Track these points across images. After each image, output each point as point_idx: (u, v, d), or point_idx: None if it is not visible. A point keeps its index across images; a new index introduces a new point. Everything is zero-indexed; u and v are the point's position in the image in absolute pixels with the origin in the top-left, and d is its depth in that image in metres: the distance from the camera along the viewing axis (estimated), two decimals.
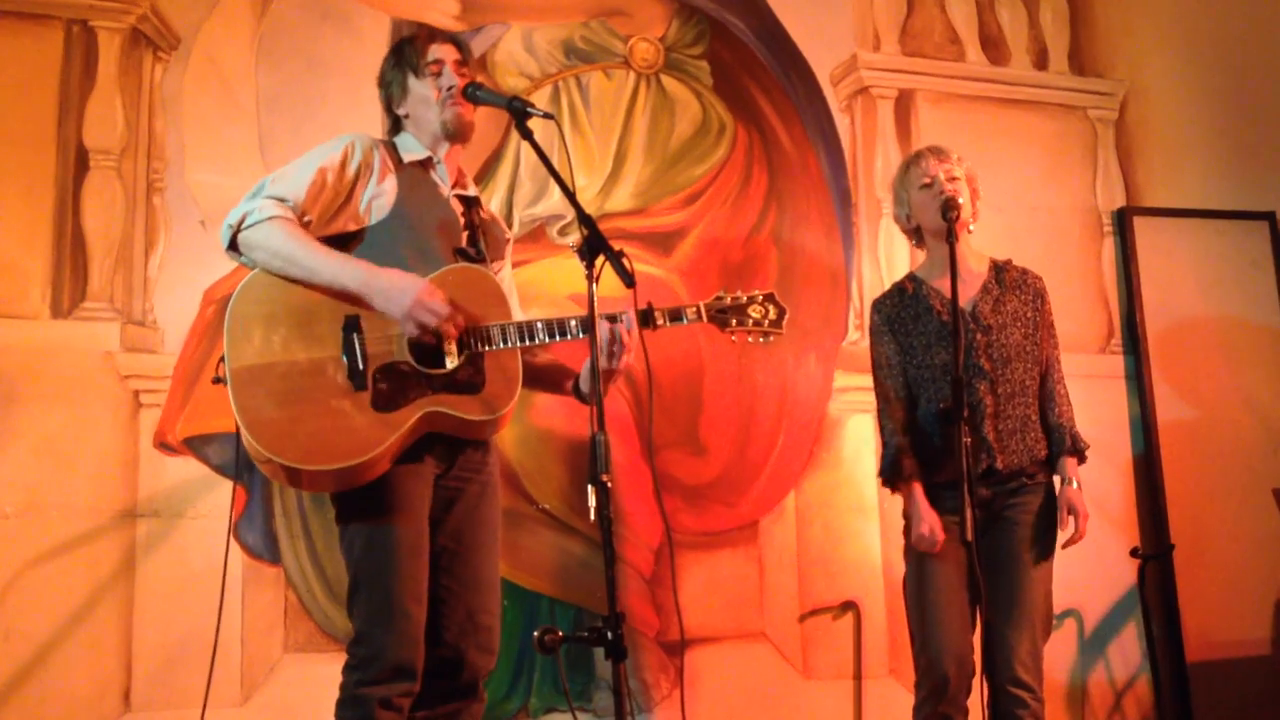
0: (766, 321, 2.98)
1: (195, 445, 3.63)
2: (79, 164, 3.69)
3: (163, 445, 3.62)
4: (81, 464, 3.54)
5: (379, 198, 2.81)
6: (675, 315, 2.92)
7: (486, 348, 2.76)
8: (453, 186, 2.96)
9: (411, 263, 2.76)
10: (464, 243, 2.90)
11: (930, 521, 3.25)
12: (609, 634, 2.36)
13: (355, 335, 2.68)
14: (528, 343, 2.81)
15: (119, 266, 3.68)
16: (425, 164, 2.92)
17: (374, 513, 2.68)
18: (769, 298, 3.00)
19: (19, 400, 3.51)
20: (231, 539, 3.58)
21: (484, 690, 2.88)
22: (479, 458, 2.88)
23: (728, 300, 2.98)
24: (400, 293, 2.66)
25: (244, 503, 3.65)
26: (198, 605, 3.54)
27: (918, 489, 3.32)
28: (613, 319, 2.83)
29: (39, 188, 3.64)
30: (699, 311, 2.95)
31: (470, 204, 2.99)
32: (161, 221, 3.75)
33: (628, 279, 2.52)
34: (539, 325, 2.80)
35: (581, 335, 2.79)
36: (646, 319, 2.87)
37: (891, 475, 3.38)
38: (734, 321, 2.97)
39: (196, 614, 3.53)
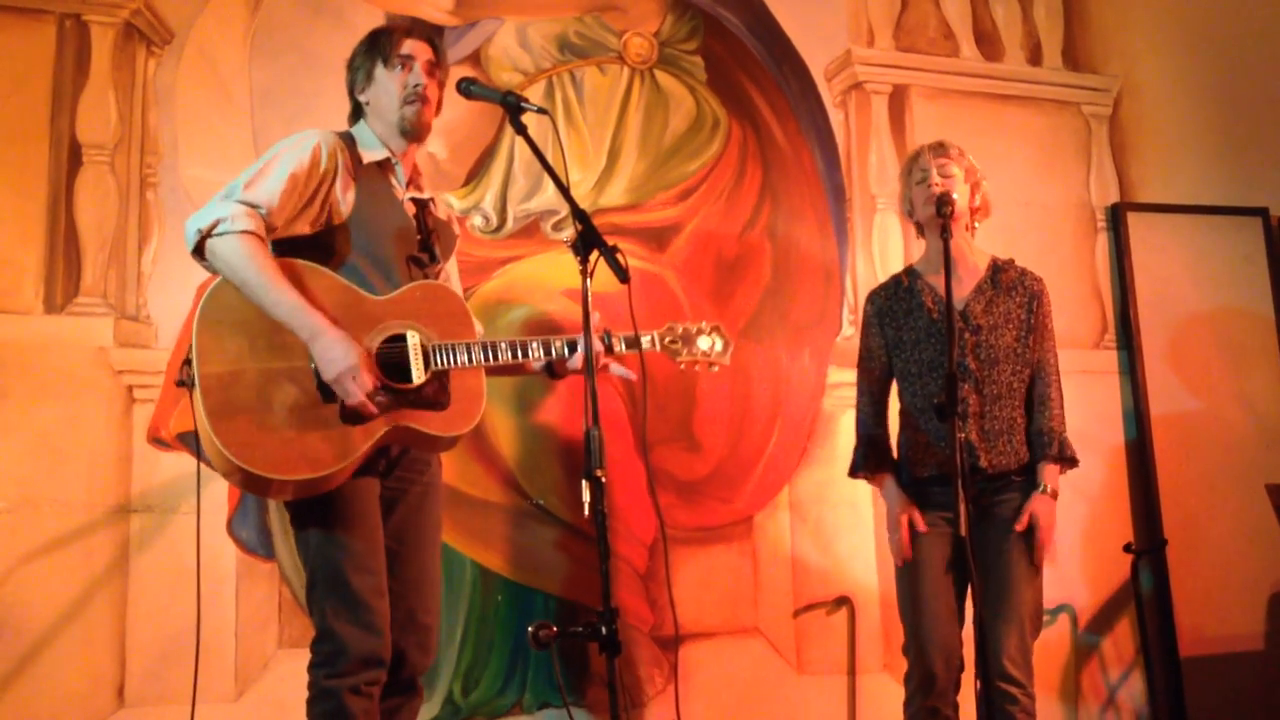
0: (714, 353, 3.16)
1: (189, 440, 3.62)
2: (72, 158, 3.68)
3: (156, 440, 3.61)
4: (75, 459, 3.53)
5: (339, 204, 2.81)
6: (632, 342, 3.03)
7: (452, 365, 2.79)
8: (407, 186, 2.97)
9: (364, 269, 2.78)
10: (417, 249, 2.92)
11: (906, 510, 3.32)
12: (603, 629, 2.37)
13: None
14: (491, 362, 2.85)
15: (112, 261, 3.67)
16: (384, 165, 2.93)
17: (329, 511, 2.70)
18: (715, 329, 3.18)
19: (12, 395, 3.50)
20: (210, 532, 3.58)
21: (422, 686, 2.94)
22: (424, 459, 2.93)
23: (679, 331, 3.13)
24: (330, 363, 2.63)
25: (237, 498, 3.64)
26: (191, 601, 3.53)
27: (889, 480, 3.40)
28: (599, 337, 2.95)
29: (32, 182, 3.63)
30: (654, 341, 3.09)
31: (423, 206, 3.00)
32: (155, 216, 3.74)
33: (621, 274, 2.53)
34: (503, 345, 2.87)
35: (542, 355, 2.92)
36: (605, 344, 2.98)
37: (862, 467, 3.46)
38: (684, 353, 3.13)
39: (190, 609, 3.52)
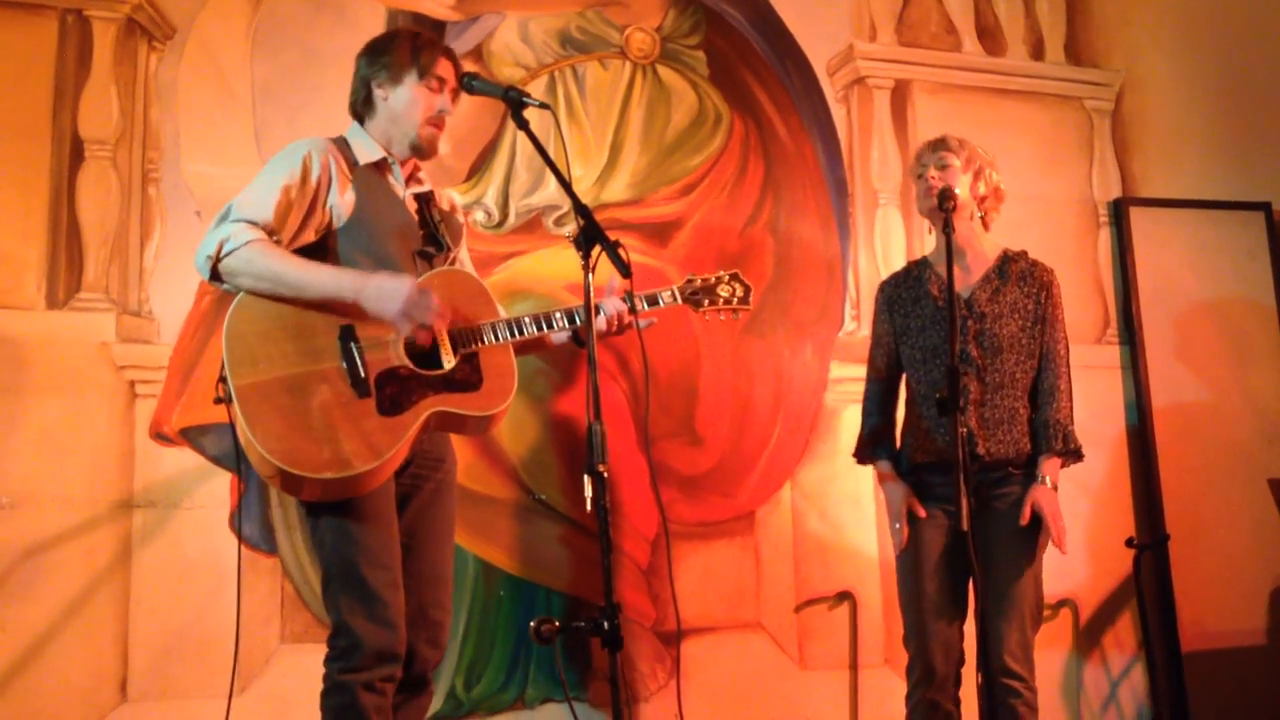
0: (735, 299, 3.23)
1: (191, 436, 3.62)
2: (74, 154, 3.68)
3: (159, 436, 3.61)
4: (77, 455, 3.53)
5: (337, 208, 2.84)
6: (652, 300, 3.12)
7: (480, 345, 2.84)
8: (407, 183, 2.99)
9: (368, 271, 2.78)
10: (421, 243, 2.94)
11: (905, 501, 3.34)
12: (605, 624, 2.36)
13: (353, 344, 2.72)
14: (518, 337, 2.90)
15: (114, 257, 3.67)
16: (380, 165, 2.94)
17: (344, 505, 2.71)
18: (734, 276, 3.25)
19: (15, 391, 3.50)
20: (212, 527, 3.60)
21: (432, 682, 2.95)
22: (436, 455, 2.94)
23: (698, 282, 3.20)
24: (392, 294, 2.70)
25: (240, 493, 3.65)
26: (194, 596, 3.55)
27: (887, 466, 3.44)
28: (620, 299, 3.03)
29: (34, 178, 3.63)
30: (674, 294, 3.15)
31: (425, 200, 3.01)
32: (157, 212, 3.74)
33: (624, 269, 2.54)
34: (527, 320, 2.91)
35: (567, 325, 2.97)
36: (628, 304, 3.03)
37: (862, 452, 3.51)
38: (706, 301, 3.20)
39: (193, 605, 3.55)
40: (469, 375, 2.81)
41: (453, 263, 3.04)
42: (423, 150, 2.95)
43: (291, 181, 2.77)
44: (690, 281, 3.19)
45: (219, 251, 2.67)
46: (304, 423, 2.64)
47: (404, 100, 2.92)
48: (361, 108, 2.99)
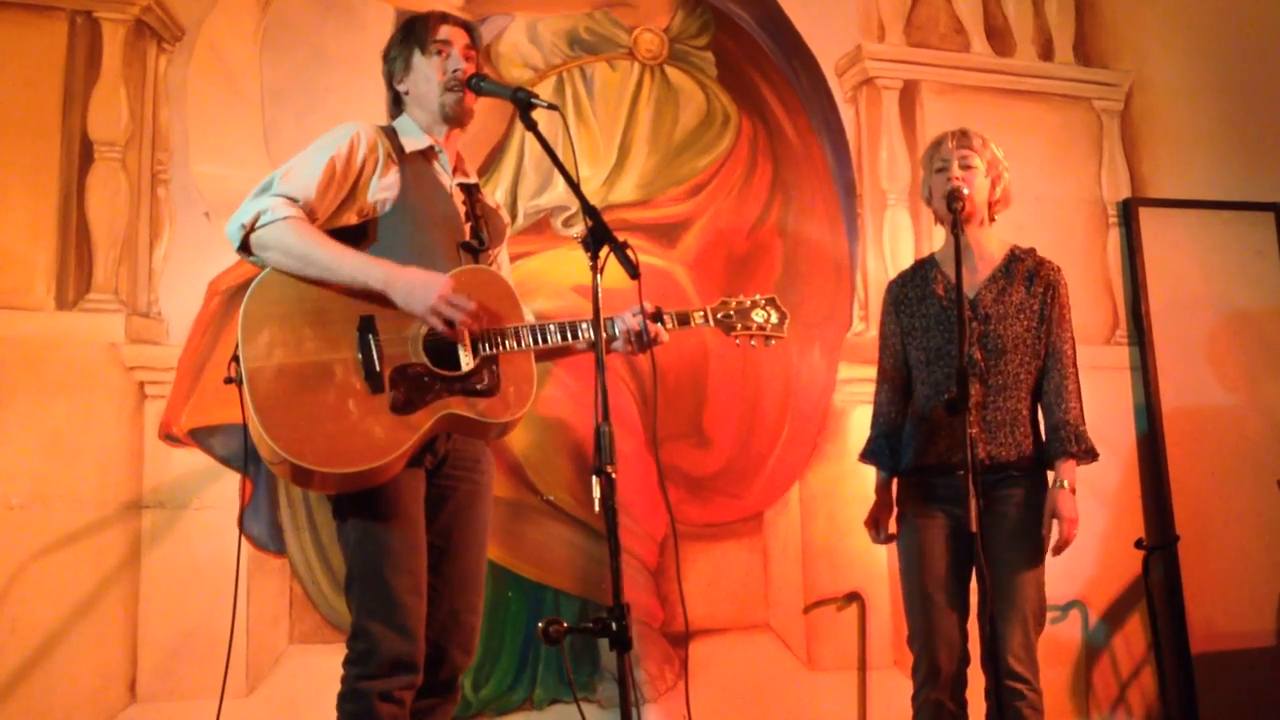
0: (769, 325, 3.08)
1: (200, 437, 3.63)
2: (84, 155, 3.69)
3: (168, 437, 3.62)
4: (87, 455, 3.54)
5: (383, 192, 2.80)
6: (683, 319, 3.01)
7: (501, 350, 2.77)
8: (454, 173, 2.95)
9: (413, 258, 2.74)
10: (466, 235, 2.90)
11: (876, 514, 3.43)
12: (614, 625, 2.35)
13: (371, 336, 2.67)
14: (541, 344, 2.82)
15: (124, 258, 3.68)
16: (427, 154, 2.90)
17: (370, 506, 2.68)
18: (770, 301, 3.10)
19: (24, 392, 3.51)
20: (221, 528, 3.59)
21: (460, 687, 2.91)
22: (472, 455, 2.88)
23: (733, 305, 3.07)
24: (424, 289, 2.64)
25: (249, 494, 3.65)
26: (203, 597, 3.56)
27: (879, 476, 3.46)
28: (650, 316, 2.92)
29: (44, 179, 3.64)
30: (706, 316, 3.03)
31: (471, 192, 2.98)
32: (166, 213, 3.75)
33: (632, 270, 2.51)
34: (552, 327, 2.83)
35: (592, 336, 2.84)
36: (656, 321, 2.94)
37: (869, 457, 3.49)
38: (739, 326, 3.06)
39: (202, 605, 3.55)
40: (487, 379, 2.74)
41: (490, 262, 2.98)
42: (451, 116, 2.89)
43: (337, 159, 2.73)
44: (724, 303, 3.07)
45: (254, 222, 2.63)
46: (312, 412, 2.59)
47: (419, 80, 2.90)
48: (394, 110, 2.98)
